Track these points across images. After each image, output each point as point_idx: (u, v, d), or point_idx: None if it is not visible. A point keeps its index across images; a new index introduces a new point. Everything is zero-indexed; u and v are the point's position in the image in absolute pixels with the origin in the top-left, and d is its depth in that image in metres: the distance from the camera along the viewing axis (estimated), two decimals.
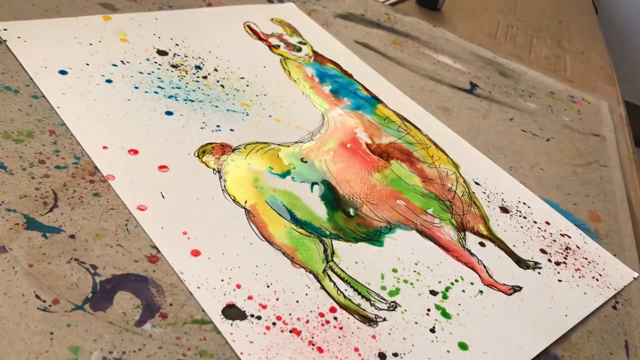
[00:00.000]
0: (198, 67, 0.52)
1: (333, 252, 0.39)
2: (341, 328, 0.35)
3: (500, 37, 0.81)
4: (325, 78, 0.57)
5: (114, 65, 0.49)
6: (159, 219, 0.37)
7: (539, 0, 0.99)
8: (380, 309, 0.37)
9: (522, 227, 0.47)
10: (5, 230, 0.33)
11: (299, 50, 0.60)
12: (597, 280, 0.44)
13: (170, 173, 0.41)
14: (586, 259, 0.46)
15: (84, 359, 0.29)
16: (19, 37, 0.48)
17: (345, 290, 0.37)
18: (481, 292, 0.40)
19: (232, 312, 0.33)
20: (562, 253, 0.46)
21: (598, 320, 0.42)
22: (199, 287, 0.34)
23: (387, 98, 0.57)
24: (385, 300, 0.37)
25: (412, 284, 0.39)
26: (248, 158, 0.44)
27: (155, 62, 0.51)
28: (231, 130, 0.47)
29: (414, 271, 0.40)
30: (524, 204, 0.50)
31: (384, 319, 0.36)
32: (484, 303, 0.40)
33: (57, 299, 0.31)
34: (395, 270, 0.40)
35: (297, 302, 0.35)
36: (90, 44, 0.50)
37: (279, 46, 0.60)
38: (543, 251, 0.45)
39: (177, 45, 0.54)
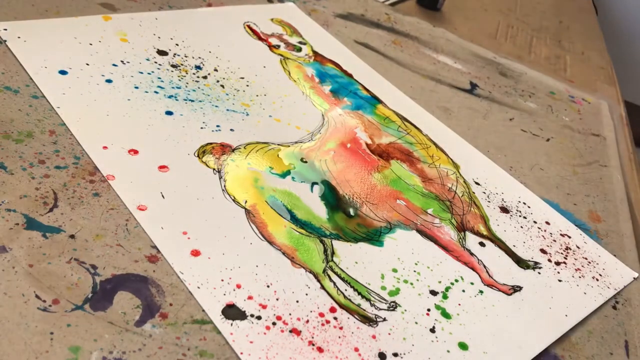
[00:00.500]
0: (198, 67, 0.52)
1: (333, 252, 0.39)
2: (341, 328, 0.35)
3: (500, 37, 0.81)
4: (325, 78, 0.57)
5: (114, 65, 0.49)
6: (159, 219, 0.37)
7: (539, 0, 0.99)
8: (380, 309, 0.37)
9: (522, 227, 0.47)
10: (6, 230, 0.33)
11: (299, 50, 0.60)
12: (597, 280, 0.44)
13: (170, 173, 0.41)
14: (586, 259, 0.46)
15: (84, 359, 0.29)
16: (19, 37, 0.48)
17: (345, 290, 0.37)
18: (481, 292, 0.40)
19: (232, 312, 0.33)
20: (562, 253, 0.46)
21: (598, 320, 0.42)
22: (199, 287, 0.34)
23: (387, 98, 0.57)
24: (385, 300, 0.37)
25: (412, 284, 0.39)
26: (248, 158, 0.44)
27: (155, 62, 0.51)
28: (231, 130, 0.47)
29: (414, 271, 0.40)
30: (524, 204, 0.50)
31: (384, 319, 0.36)
32: (484, 303, 0.40)
33: (57, 299, 0.31)
34: (395, 270, 0.40)
35: (297, 302, 0.35)
36: (90, 44, 0.50)
37: (279, 46, 0.60)
38: (543, 251, 0.45)
39: (177, 45, 0.54)
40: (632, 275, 0.46)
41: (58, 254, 0.33)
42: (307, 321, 0.34)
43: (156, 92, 0.47)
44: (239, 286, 0.35)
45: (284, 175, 0.44)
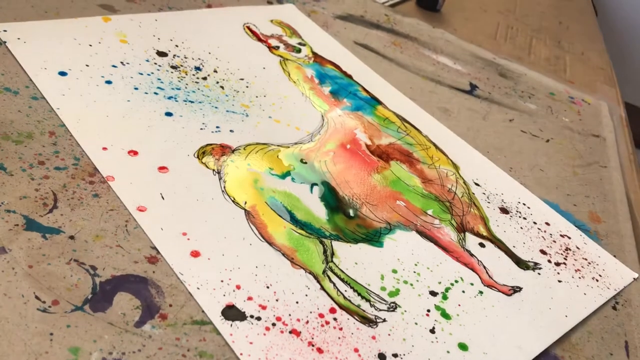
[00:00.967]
0: (198, 68, 0.52)
1: (333, 253, 0.39)
2: (341, 329, 0.35)
3: (500, 38, 0.81)
4: (325, 79, 0.57)
5: (113, 66, 0.49)
6: (158, 220, 0.37)
7: (539, 1, 0.99)
8: (380, 310, 0.37)
9: (522, 227, 0.47)
10: (5, 231, 0.33)
11: (299, 51, 0.60)
12: (597, 280, 0.44)
13: (170, 174, 0.41)
14: (586, 259, 0.46)
15: (84, 359, 0.29)
16: (18, 39, 0.48)
17: (345, 291, 0.37)
18: (481, 292, 0.40)
19: (232, 313, 0.33)
20: (562, 254, 0.46)
21: (598, 321, 0.42)
22: (198, 288, 0.34)
23: (387, 99, 0.57)
24: (385, 301, 0.37)
25: (412, 284, 0.39)
26: (248, 159, 0.44)
27: (155, 63, 0.51)
28: (231, 131, 0.47)
29: (414, 272, 0.40)
30: (524, 204, 0.50)
31: (384, 320, 0.36)
32: (484, 303, 0.40)
33: (56, 300, 0.31)
34: (395, 271, 0.40)
35: (297, 302, 0.35)
36: (90, 45, 0.50)
37: (278, 47, 0.60)
38: (543, 252, 0.45)
39: (176, 46, 0.54)
40: (632, 275, 0.46)
41: (58, 254, 0.33)
42: (307, 322, 0.34)
43: (156, 93, 0.47)
44: (238, 287, 0.35)
45: (283, 176, 0.44)
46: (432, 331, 0.37)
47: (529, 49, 0.81)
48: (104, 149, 0.41)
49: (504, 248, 0.44)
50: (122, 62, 0.49)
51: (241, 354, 0.32)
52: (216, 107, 0.48)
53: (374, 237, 0.42)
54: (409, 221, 0.44)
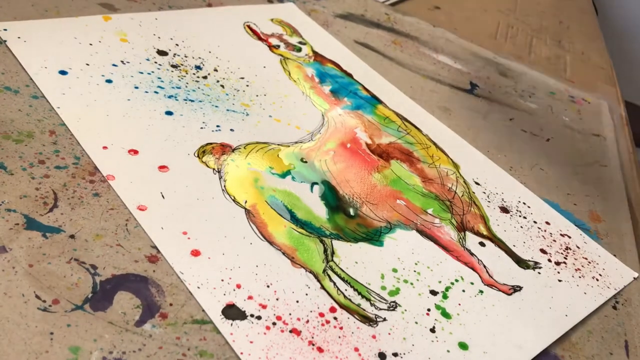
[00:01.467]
0: (198, 67, 0.52)
1: (333, 252, 0.39)
2: (341, 328, 0.35)
3: (500, 37, 0.81)
4: (325, 78, 0.57)
5: (114, 65, 0.49)
6: (159, 219, 0.37)
7: (539, 1, 0.99)
8: (380, 309, 0.37)
9: (522, 227, 0.47)
10: (5, 230, 0.33)
11: (299, 50, 0.60)
12: (597, 280, 0.44)
13: (170, 173, 0.41)
14: (586, 259, 0.46)
15: (84, 359, 0.29)
16: (19, 38, 0.48)
17: (345, 290, 0.37)
18: (481, 292, 0.40)
19: (232, 312, 0.33)
20: (562, 253, 0.46)
21: (598, 320, 0.42)
22: (199, 287, 0.34)
23: (387, 98, 0.57)
24: (385, 300, 0.37)
25: (412, 283, 0.39)
26: (248, 158, 0.44)
27: (155, 62, 0.51)
28: (231, 130, 0.47)
29: (414, 271, 0.40)
30: (524, 204, 0.50)
31: (384, 319, 0.36)
32: (484, 303, 0.40)
33: (57, 299, 0.31)
34: (395, 270, 0.40)
35: (297, 302, 0.35)
36: (90, 44, 0.50)
37: (279, 46, 0.60)
38: (543, 251, 0.45)
39: (177, 45, 0.54)
40: (632, 275, 0.46)
41: (58, 254, 0.33)
42: (307, 321, 0.34)
43: (156, 92, 0.47)
44: (239, 286, 0.35)
45: (284, 175, 0.44)
46: (433, 330, 0.37)
47: (529, 48, 0.81)
48: (104, 148, 0.41)
49: (504, 247, 0.44)
50: (122, 61, 0.49)
51: (241, 353, 0.32)
52: (216, 106, 0.48)
53: (374, 236, 0.42)
54: (409, 220, 0.44)
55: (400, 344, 0.35)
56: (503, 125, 0.60)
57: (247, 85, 0.52)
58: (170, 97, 0.47)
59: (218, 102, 0.49)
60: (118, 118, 0.44)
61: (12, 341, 0.29)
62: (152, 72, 0.49)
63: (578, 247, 0.47)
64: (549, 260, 0.45)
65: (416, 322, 0.37)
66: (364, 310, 0.36)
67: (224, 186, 0.41)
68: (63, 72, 0.46)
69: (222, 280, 0.35)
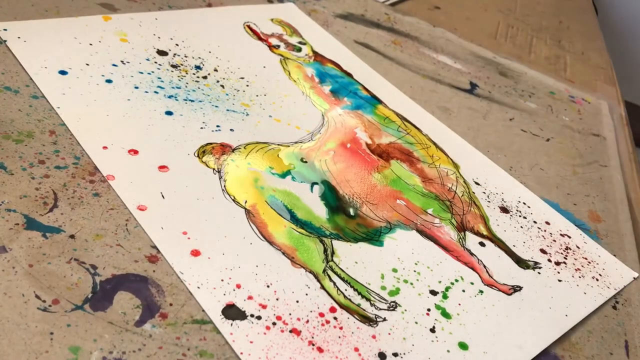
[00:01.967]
0: (198, 67, 0.52)
1: (333, 252, 0.39)
2: (341, 328, 0.35)
3: (500, 37, 0.81)
4: (325, 78, 0.57)
5: (114, 65, 0.49)
6: (159, 219, 0.37)
7: (539, 1, 0.99)
8: (380, 309, 0.37)
9: (522, 227, 0.47)
10: (5, 230, 0.33)
11: (299, 50, 0.60)
12: (597, 280, 0.44)
13: (170, 173, 0.41)
14: (586, 259, 0.46)
15: (84, 359, 0.29)
16: (19, 37, 0.48)
17: (345, 290, 0.37)
18: (481, 292, 0.40)
19: (232, 312, 0.33)
20: (562, 253, 0.46)
21: (598, 320, 0.42)
22: (199, 287, 0.34)
23: (387, 98, 0.57)
24: (385, 300, 0.37)
25: (412, 283, 0.39)
26: (248, 158, 0.44)
27: (155, 62, 0.51)
28: (231, 130, 0.47)
29: (414, 271, 0.40)
30: (524, 204, 0.50)
31: (384, 319, 0.36)
32: (484, 303, 0.40)
33: (57, 299, 0.31)
34: (395, 270, 0.40)
35: (297, 302, 0.35)
36: (90, 44, 0.50)
37: (279, 46, 0.60)
38: (543, 251, 0.45)
39: (177, 45, 0.54)
40: (632, 275, 0.46)
41: (58, 254, 0.33)
42: (307, 321, 0.34)
43: (156, 92, 0.47)
44: (238, 286, 0.35)
45: (284, 175, 0.44)
46: (433, 330, 0.37)
47: (529, 48, 0.81)
48: (104, 148, 0.41)
49: (504, 247, 0.44)
50: (122, 61, 0.49)
51: (241, 353, 0.32)
52: (216, 106, 0.48)
53: (374, 236, 0.42)
54: (409, 220, 0.44)
55: (400, 344, 0.35)
56: (503, 125, 0.60)
57: (247, 85, 0.52)
58: (170, 97, 0.47)
59: (218, 102, 0.49)
60: (118, 118, 0.44)
61: (12, 341, 0.29)
62: (152, 72, 0.49)
63: (578, 247, 0.47)
64: (549, 260, 0.45)
65: (416, 322, 0.37)
66: (364, 310, 0.36)
67: (224, 186, 0.41)
68: (63, 72, 0.46)
69: (222, 280, 0.35)
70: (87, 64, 0.48)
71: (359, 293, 0.37)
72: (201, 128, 0.46)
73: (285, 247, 0.38)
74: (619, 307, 0.43)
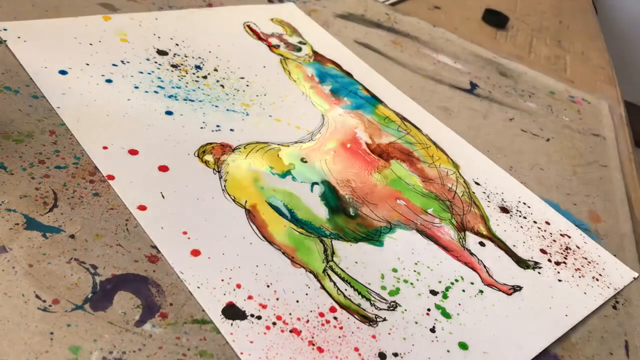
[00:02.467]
0: (198, 67, 0.52)
1: (333, 252, 0.39)
2: (341, 328, 0.35)
3: (500, 37, 0.81)
4: (326, 78, 0.57)
5: (114, 65, 0.49)
6: (159, 219, 0.37)
7: (539, 0, 0.99)
8: (380, 309, 0.37)
9: (522, 227, 0.47)
10: (5, 230, 0.33)
11: (299, 50, 0.60)
12: (597, 280, 0.44)
13: (170, 173, 0.41)
14: (586, 259, 0.46)
15: (84, 359, 0.29)
16: (19, 37, 0.48)
17: (345, 290, 0.37)
18: (481, 291, 0.40)
19: (232, 312, 0.33)
20: (562, 253, 0.46)
21: (598, 320, 0.42)
22: (199, 287, 0.34)
23: (387, 98, 0.57)
24: (385, 300, 0.37)
25: (412, 283, 0.39)
26: (248, 158, 0.44)
27: (155, 62, 0.51)
28: (231, 130, 0.47)
29: (414, 271, 0.40)
30: (524, 204, 0.50)
31: (384, 319, 0.36)
32: (484, 303, 0.40)
33: (57, 299, 0.31)
34: (395, 270, 0.40)
35: (297, 302, 0.35)
36: (90, 44, 0.50)
37: (279, 46, 0.60)
38: (543, 251, 0.45)
39: (177, 45, 0.54)
40: (632, 275, 0.46)
41: (58, 254, 0.33)
42: (307, 321, 0.34)
43: (156, 92, 0.47)
44: (239, 286, 0.35)
45: (284, 175, 0.44)
46: (433, 330, 0.37)
47: (529, 48, 0.81)
48: (104, 148, 0.41)
49: (504, 247, 0.44)
50: (122, 61, 0.49)
51: (241, 353, 0.32)
52: (216, 106, 0.48)
53: (374, 236, 0.42)
54: (409, 220, 0.44)
55: (400, 344, 0.35)
56: (503, 125, 0.60)
57: (247, 85, 0.52)
58: (170, 97, 0.47)
59: (218, 102, 0.49)
60: (118, 118, 0.44)
61: (12, 341, 0.29)
62: (152, 72, 0.49)
63: (578, 247, 0.47)
64: (549, 260, 0.45)
65: (416, 322, 0.37)
66: (364, 310, 0.36)
67: (224, 186, 0.41)
68: (63, 72, 0.46)
69: (222, 280, 0.35)
70: (87, 64, 0.48)
71: (359, 293, 0.37)
72: (201, 128, 0.46)
73: (285, 247, 0.38)
74: (619, 307, 0.43)
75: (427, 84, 0.63)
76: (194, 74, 0.51)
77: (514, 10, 0.91)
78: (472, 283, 0.41)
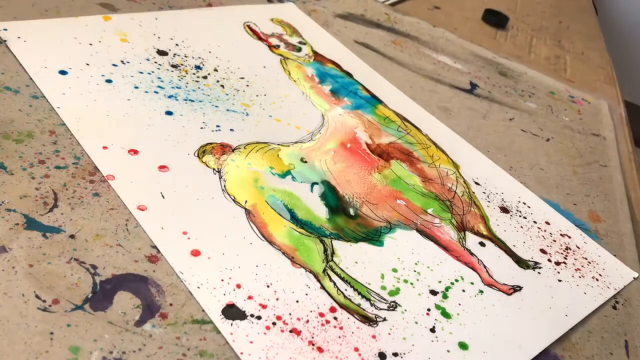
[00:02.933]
0: (198, 67, 0.52)
1: (333, 252, 0.39)
2: (341, 328, 0.35)
3: (500, 37, 0.81)
4: (326, 78, 0.57)
5: (114, 65, 0.49)
6: (159, 219, 0.37)
7: (539, 0, 0.99)
8: (380, 309, 0.37)
9: (522, 227, 0.47)
10: (5, 230, 0.33)
11: (299, 50, 0.60)
12: (597, 280, 0.44)
13: (170, 173, 0.41)
14: (586, 259, 0.46)
15: (84, 359, 0.29)
16: (19, 37, 0.48)
17: (345, 290, 0.37)
18: (481, 291, 0.40)
19: (232, 312, 0.33)
20: (562, 253, 0.46)
21: (598, 320, 0.42)
22: (199, 287, 0.34)
23: (387, 98, 0.57)
24: (385, 300, 0.37)
25: (412, 283, 0.39)
26: (248, 158, 0.44)
27: (155, 62, 0.51)
28: (231, 130, 0.47)
29: (414, 271, 0.40)
30: (524, 204, 0.50)
31: (384, 319, 0.36)
32: (484, 303, 0.40)
33: (57, 299, 0.31)
34: (395, 270, 0.40)
35: (297, 302, 0.35)
36: (90, 44, 0.50)
37: (279, 46, 0.60)
38: (543, 251, 0.45)
39: (177, 45, 0.54)
40: (632, 275, 0.46)
41: (58, 254, 0.33)
42: (307, 321, 0.34)
43: (156, 92, 0.47)
44: (239, 286, 0.35)
45: (284, 175, 0.44)
46: (433, 330, 0.37)
47: (529, 48, 0.81)
48: (105, 148, 0.41)
49: (504, 247, 0.44)
50: (122, 61, 0.49)
51: (241, 353, 0.32)
52: (216, 106, 0.48)
53: (374, 236, 0.42)
54: (409, 220, 0.44)
55: (400, 344, 0.35)
56: (503, 125, 0.60)
57: (247, 85, 0.52)
58: (170, 97, 0.48)
59: (218, 102, 0.49)
60: (118, 118, 0.44)
61: (12, 341, 0.29)
62: (152, 72, 0.49)
63: (578, 247, 0.47)
64: (549, 260, 0.45)
65: (416, 322, 0.37)
66: (364, 310, 0.36)
67: (224, 186, 0.41)
68: (63, 72, 0.46)
69: (222, 280, 0.35)
70: (87, 64, 0.48)
71: (359, 293, 0.37)
72: (201, 128, 0.46)
73: (285, 247, 0.38)
74: (619, 307, 0.43)
75: (427, 84, 0.63)
76: (194, 74, 0.51)
77: (514, 10, 0.91)
78: (472, 283, 0.41)
